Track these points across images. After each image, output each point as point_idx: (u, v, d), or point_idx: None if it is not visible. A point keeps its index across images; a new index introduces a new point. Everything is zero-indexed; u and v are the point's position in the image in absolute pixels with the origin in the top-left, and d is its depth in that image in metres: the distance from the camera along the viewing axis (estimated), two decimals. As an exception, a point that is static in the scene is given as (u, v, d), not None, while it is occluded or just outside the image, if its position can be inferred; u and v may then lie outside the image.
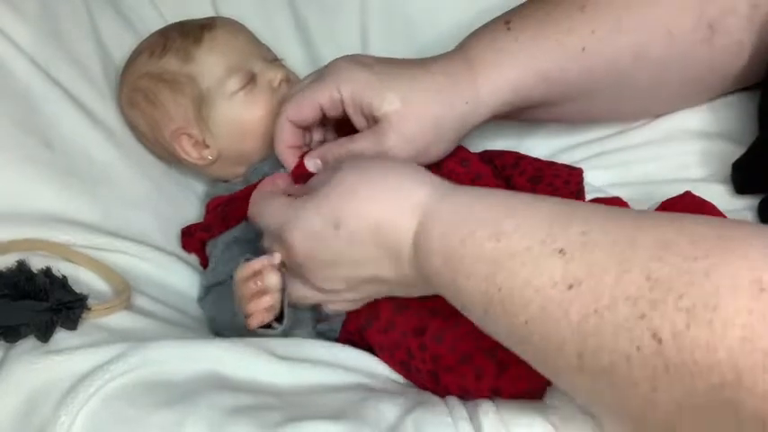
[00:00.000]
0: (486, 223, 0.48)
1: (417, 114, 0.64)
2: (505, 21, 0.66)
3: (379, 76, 0.64)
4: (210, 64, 0.72)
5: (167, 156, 0.76)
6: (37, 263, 0.59)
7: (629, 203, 0.65)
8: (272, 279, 0.60)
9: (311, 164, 0.67)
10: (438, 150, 0.66)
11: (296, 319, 0.65)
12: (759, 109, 0.65)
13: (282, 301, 0.61)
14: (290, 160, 0.68)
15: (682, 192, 0.64)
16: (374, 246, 0.53)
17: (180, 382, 0.55)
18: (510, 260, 0.46)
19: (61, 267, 0.60)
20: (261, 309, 0.61)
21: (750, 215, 0.63)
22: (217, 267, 0.70)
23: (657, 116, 0.73)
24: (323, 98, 0.65)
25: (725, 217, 0.61)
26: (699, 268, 0.39)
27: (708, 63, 0.66)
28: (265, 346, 0.60)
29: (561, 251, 0.44)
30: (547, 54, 0.64)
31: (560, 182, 0.67)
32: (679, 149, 0.70)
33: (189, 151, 0.74)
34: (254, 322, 0.61)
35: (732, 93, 0.71)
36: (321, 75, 0.67)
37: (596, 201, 0.65)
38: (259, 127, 0.72)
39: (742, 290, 0.38)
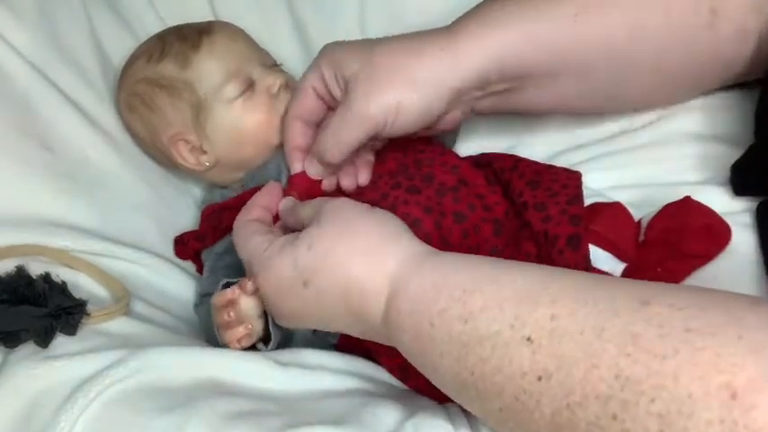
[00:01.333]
0: (455, 302, 0.47)
1: (382, 65, 0.61)
2: None
3: (353, 46, 0.64)
4: (209, 70, 0.72)
5: (165, 160, 0.76)
6: (36, 268, 0.59)
7: (628, 208, 0.65)
8: (247, 307, 0.60)
9: (312, 169, 0.66)
10: (413, 108, 0.61)
11: (293, 333, 0.65)
12: (756, 111, 0.65)
13: (267, 324, 0.61)
14: (295, 165, 0.68)
15: (680, 195, 0.64)
16: (343, 309, 0.53)
17: (180, 388, 0.55)
18: (478, 345, 0.45)
19: (60, 273, 0.61)
20: (234, 339, 0.60)
21: (748, 217, 0.62)
22: (208, 277, 0.70)
23: (659, 111, 0.72)
24: (313, 80, 0.65)
25: (724, 223, 0.61)
26: (668, 370, 0.38)
27: (710, 49, 0.64)
28: (265, 353, 0.60)
29: (529, 339, 0.43)
30: (535, 17, 0.62)
31: (558, 186, 0.66)
32: (678, 152, 0.69)
33: (186, 157, 0.73)
34: (234, 348, 0.61)
35: (731, 94, 0.71)
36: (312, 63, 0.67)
37: (596, 206, 0.65)
38: (257, 133, 0.72)
39: (713, 397, 0.37)
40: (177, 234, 0.74)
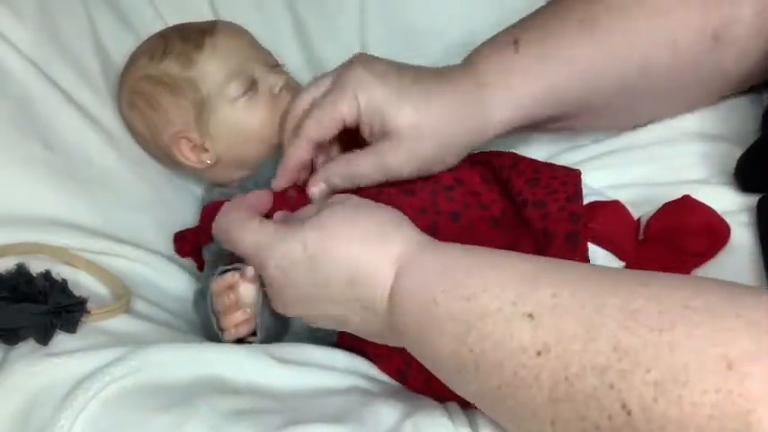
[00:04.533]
0: (459, 282, 0.48)
1: (431, 130, 0.63)
2: (514, 40, 0.65)
3: (395, 89, 0.63)
4: (211, 69, 0.72)
5: (166, 158, 0.76)
6: (36, 266, 0.59)
7: (627, 206, 0.65)
8: (246, 294, 0.61)
9: (316, 190, 0.65)
10: (439, 167, 0.65)
11: (288, 325, 0.65)
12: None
13: (257, 315, 0.61)
14: (287, 182, 0.66)
15: (680, 194, 0.64)
16: (349, 293, 0.53)
17: (179, 386, 0.55)
18: (480, 321, 0.46)
19: (61, 271, 0.61)
20: (233, 324, 0.61)
21: (746, 216, 0.62)
22: (207, 273, 0.70)
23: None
24: (344, 109, 0.63)
25: (724, 222, 0.61)
26: (664, 341, 0.39)
27: (712, 70, 0.66)
28: (264, 350, 0.60)
29: (530, 315, 0.44)
30: (555, 73, 0.64)
31: (558, 183, 0.66)
32: (678, 151, 0.70)
33: (187, 155, 0.74)
34: (228, 336, 0.62)
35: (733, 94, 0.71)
36: (337, 85, 0.64)
37: (595, 204, 0.65)
38: (259, 132, 0.72)
39: (708, 367, 0.38)
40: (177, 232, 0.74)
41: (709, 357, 0.38)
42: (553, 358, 0.42)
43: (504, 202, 0.67)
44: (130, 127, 0.76)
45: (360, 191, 0.65)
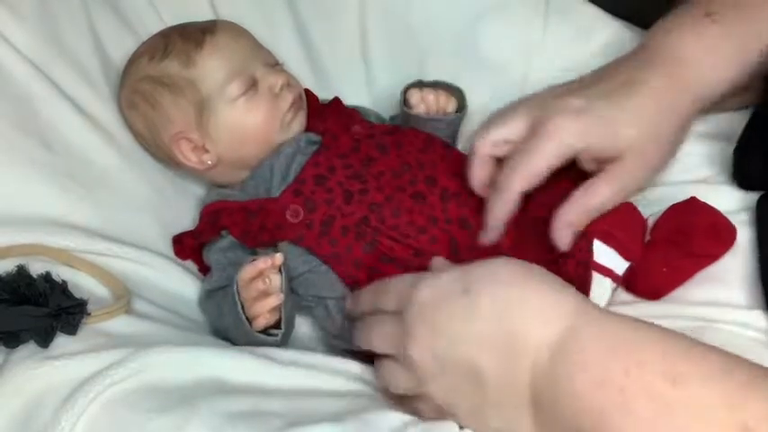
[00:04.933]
0: (657, 359, 0.43)
1: (652, 136, 0.61)
2: (706, 13, 0.63)
3: (597, 115, 0.61)
4: (212, 69, 0.72)
5: (166, 159, 0.76)
6: (37, 268, 0.59)
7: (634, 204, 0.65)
8: (276, 280, 0.62)
9: (564, 235, 0.62)
10: (670, 158, 0.64)
11: (293, 326, 0.65)
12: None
13: (282, 306, 0.63)
14: (497, 235, 0.64)
15: (686, 194, 0.64)
16: (497, 329, 0.48)
17: (180, 388, 0.55)
18: (684, 411, 0.41)
19: (61, 272, 0.60)
20: (266, 310, 0.62)
21: (746, 216, 0.62)
22: (214, 272, 0.70)
23: None
24: (554, 160, 0.61)
25: (730, 223, 0.61)
26: None
27: None
28: (266, 353, 0.59)
29: (745, 427, 0.39)
30: (752, 45, 0.61)
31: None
32: (683, 151, 0.68)
33: (188, 155, 0.73)
34: (261, 323, 0.63)
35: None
36: (539, 135, 0.61)
37: None
38: (259, 132, 0.72)
39: None
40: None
41: None
42: None
43: None
44: (131, 127, 0.76)
45: (369, 194, 0.65)
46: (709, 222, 0.61)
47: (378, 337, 0.56)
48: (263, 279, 0.62)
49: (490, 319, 0.48)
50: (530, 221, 0.65)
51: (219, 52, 0.72)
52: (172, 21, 0.81)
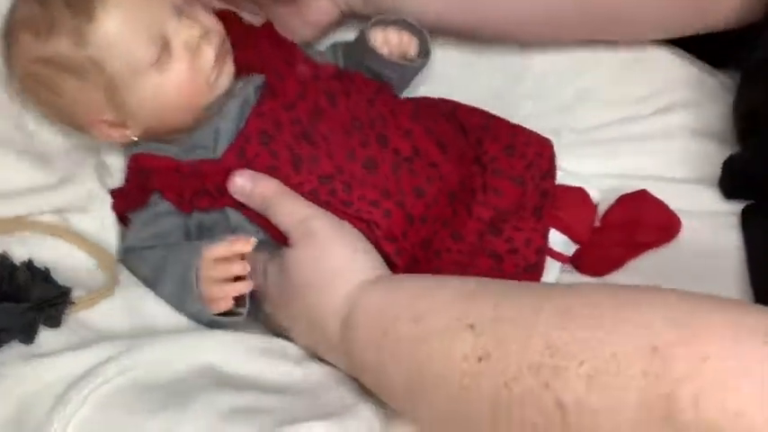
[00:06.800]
0: (405, 308, 0.51)
1: None
2: None
3: None
4: (111, 42, 0.60)
5: (87, 135, 0.67)
6: (19, 252, 0.59)
7: (608, 195, 0.67)
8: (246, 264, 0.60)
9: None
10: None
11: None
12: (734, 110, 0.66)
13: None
14: None
15: (664, 190, 0.66)
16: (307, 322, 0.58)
17: (174, 383, 0.55)
18: (426, 341, 0.48)
19: (44, 255, 0.60)
20: (232, 295, 0.59)
21: (735, 220, 0.65)
22: (141, 231, 0.64)
23: (656, 104, 0.73)
24: None
25: (676, 217, 0.65)
26: (594, 336, 0.42)
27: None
28: (260, 343, 0.59)
29: (472, 326, 0.46)
30: None
31: (533, 153, 0.67)
32: (672, 146, 0.70)
33: (109, 134, 0.65)
34: (223, 306, 0.59)
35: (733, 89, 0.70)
36: None
37: (560, 187, 0.67)
38: (182, 100, 0.63)
39: (635, 354, 0.40)
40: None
41: (636, 346, 0.40)
42: (494, 363, 0.44)
43: (459, 170, 0.65)
44: (35, 109, 0.67)
45: (320, 163, 0.62)
46: (654, 215, 0.65)
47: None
48: (241, 264, 0.58)
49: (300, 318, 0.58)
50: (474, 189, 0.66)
51: (114, 20, 0.60)
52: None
